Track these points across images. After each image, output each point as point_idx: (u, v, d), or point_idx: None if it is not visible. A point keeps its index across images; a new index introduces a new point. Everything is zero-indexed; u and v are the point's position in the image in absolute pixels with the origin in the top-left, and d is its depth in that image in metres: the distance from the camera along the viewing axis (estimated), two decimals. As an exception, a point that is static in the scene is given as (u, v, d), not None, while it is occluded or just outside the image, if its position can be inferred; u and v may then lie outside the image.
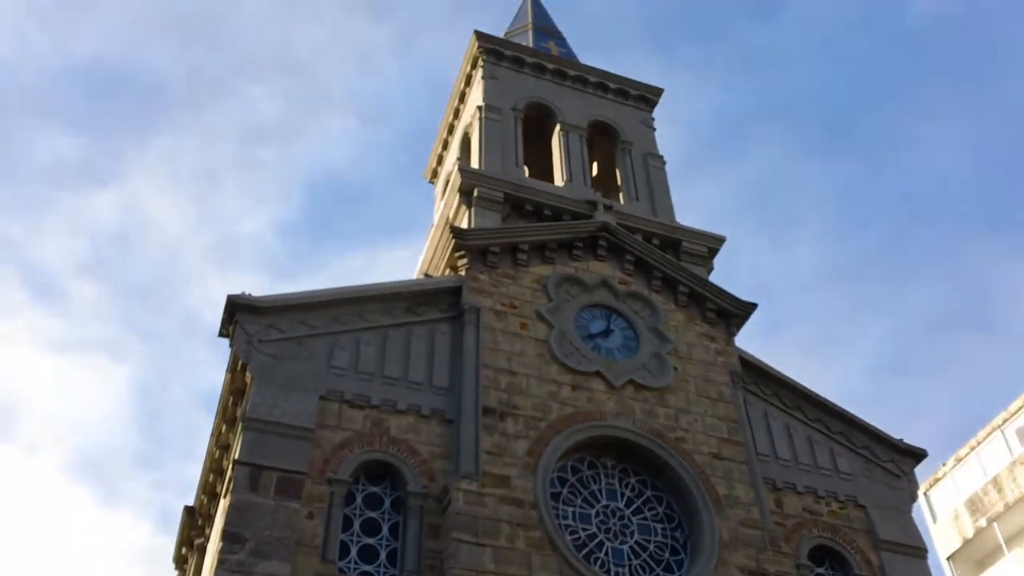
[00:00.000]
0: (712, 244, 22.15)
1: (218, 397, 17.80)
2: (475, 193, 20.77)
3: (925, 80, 75.09)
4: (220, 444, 18.11)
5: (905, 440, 20.17)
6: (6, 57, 67.31)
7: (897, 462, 19.95)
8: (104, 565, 62.11)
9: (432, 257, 21.27)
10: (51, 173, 70.45)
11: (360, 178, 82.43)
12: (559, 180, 23.35)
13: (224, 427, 17.76)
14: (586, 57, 27.60)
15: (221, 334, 17.05)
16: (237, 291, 16.92)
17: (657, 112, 26.35)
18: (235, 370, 16.77)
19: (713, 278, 21.35)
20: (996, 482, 36.08)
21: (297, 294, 17.45)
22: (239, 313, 16.72)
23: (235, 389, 16.97)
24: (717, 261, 22.11)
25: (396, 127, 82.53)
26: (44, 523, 61.87)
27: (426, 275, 21.14)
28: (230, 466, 16.11)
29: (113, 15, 71.16)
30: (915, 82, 75.50)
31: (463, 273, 18.80)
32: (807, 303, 76.20)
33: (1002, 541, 35.49)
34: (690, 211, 64.94)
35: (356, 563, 15.15)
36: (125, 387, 71.16)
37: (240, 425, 15.87)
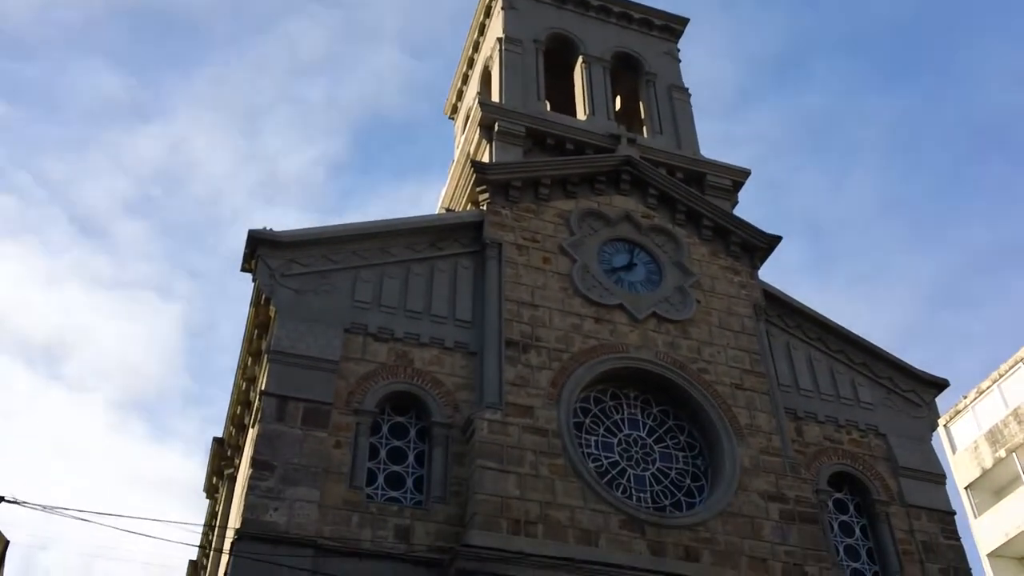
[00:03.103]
0: (737, 177, 21.94)
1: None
2: (496, 127, 20.63)
3: (990, 9, 72.77)
4: (246, 377, 18.36)
5: (932, 372, 20.30)
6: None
7: (919, 392, 20.03)
8: (157, 498, 63.09)
9: (453, 192, 21.27)
10: (95, 111, 70.31)
11: (409, 113, 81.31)
12: (581, 114, 23.15)
13: (250, 360, 18.00)
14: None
15: (243, 269, 17.21)
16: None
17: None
18: (259, 304, 16.94)
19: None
20: (1017, 414, 36.17)
21: (318, 229, 17.54)
22: (260, 248, 16.85)
23: (259, 323, 17.17)
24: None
25: (446, 61, 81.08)
26: (96, 459, 62.66)
27: (447, 210, 21.18)
28: (257, 398, 16.37)
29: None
30: (979, 11, 73.21)
31: (484, 208, 18.82)
32: (863, 237, 75.14)
33: (1021, 471, 35.67)
34: (745, 143, 62.99)
35: (383, 489, 15.42)
36: (173, 326, 71.58)
37: (265, 358, 16.09)
